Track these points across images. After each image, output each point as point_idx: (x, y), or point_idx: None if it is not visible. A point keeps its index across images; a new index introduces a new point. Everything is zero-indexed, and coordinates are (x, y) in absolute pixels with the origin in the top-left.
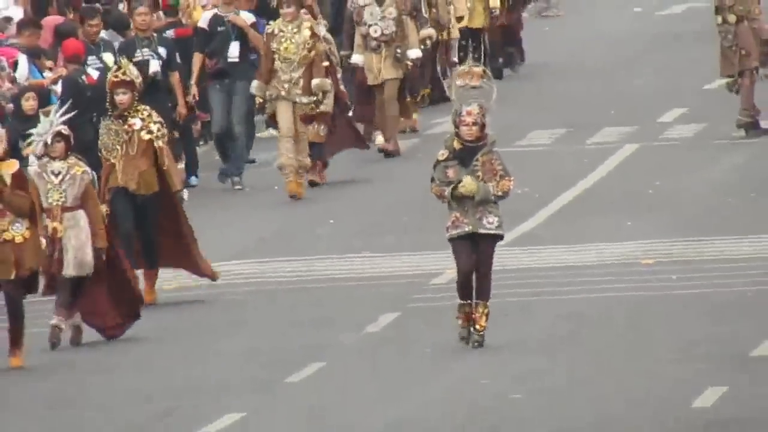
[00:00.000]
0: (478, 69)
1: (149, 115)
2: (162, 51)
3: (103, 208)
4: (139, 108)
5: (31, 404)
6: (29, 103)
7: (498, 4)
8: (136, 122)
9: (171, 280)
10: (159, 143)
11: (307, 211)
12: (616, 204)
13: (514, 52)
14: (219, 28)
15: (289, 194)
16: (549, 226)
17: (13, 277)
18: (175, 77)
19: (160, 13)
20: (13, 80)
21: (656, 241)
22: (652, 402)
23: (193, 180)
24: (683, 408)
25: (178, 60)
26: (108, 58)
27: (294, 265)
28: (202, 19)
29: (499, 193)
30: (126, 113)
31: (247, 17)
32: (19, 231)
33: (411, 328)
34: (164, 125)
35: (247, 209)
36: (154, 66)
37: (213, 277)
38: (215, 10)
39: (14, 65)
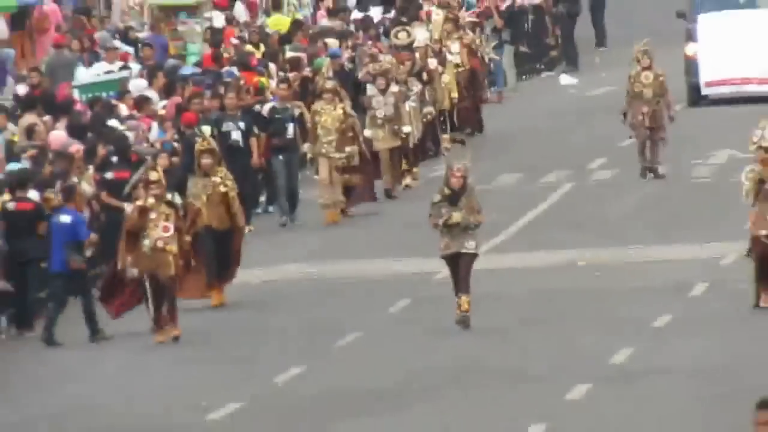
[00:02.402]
0: (447, 136)
1: (225, 175)
2: (242, 124)
3: (187, 238)
4: (218, 169)
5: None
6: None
7: (456, 94)
8: (217, 179)
9: (257, 276)
10: (232, 194)
11: (345, 233)
12: (559, 224)
13: (472, 128)
14: (277, 116)
15: (326, 223)
16: (513, 239)
17: (173, 273)
18: (252, 141)
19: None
20: (147, 139)
21: (587, 249)
22: (584, 358)
23: (271, 208)
24: (604, 362)
25: (255, 130)
26: (206, 129)
27: (336, 267)
28: (264, 109)
29: (475, 223)
30: (209, 172)
31: (299, 103)
32: (174, 245)
33: (420, 309)
34: (234, 182)
35: (303, 231)
36: (235, 135)
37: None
38: (273, 103)
39: (149, 129)
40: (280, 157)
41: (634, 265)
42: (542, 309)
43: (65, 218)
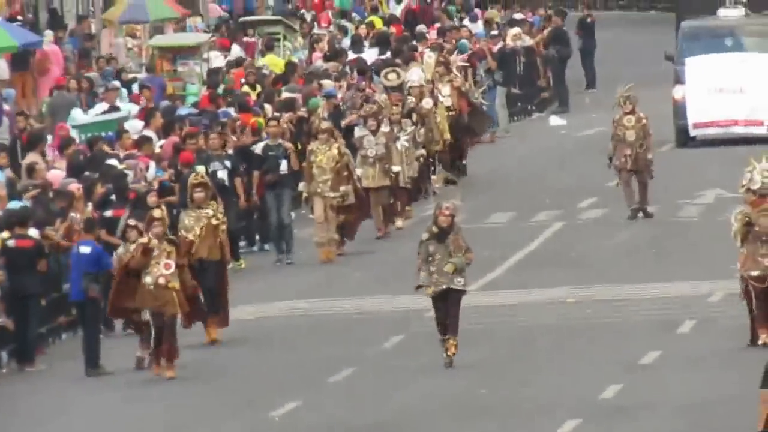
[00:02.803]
0: (436, 177)
1: (216, 208)
2: (228, 163)
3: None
4: (210, 202)
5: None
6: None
7: (448, 136)
8: (209, 212)
9: (252, 312)
10: (222, 227)
11: (339, 270)
12: (549, 262)
13: (459, 169)
14: (270, 153)
15: (321, 261)
16: (505, 277)
17: (177, 311)
18: (238, 181)
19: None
20: (145, 178)
21: (577, 286)
22: (574, 394)
23: (266, 246)
24: (593, 398)
25: (241, 169)
26: (201, 169)
27: (333, 303)
28: (257, 147)
29: (467, 262)
30: (201, 205)
31: (290, 145)
32: (176, 281)
33: (413, 345)
34: (224, 215)
35: (298, 268)
36: (222, 174)
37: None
38: (266, 141)
39: (147, 168)
40: (273, 193)
41: (623, 302)
42: (533, 345)
43: (85, 249)
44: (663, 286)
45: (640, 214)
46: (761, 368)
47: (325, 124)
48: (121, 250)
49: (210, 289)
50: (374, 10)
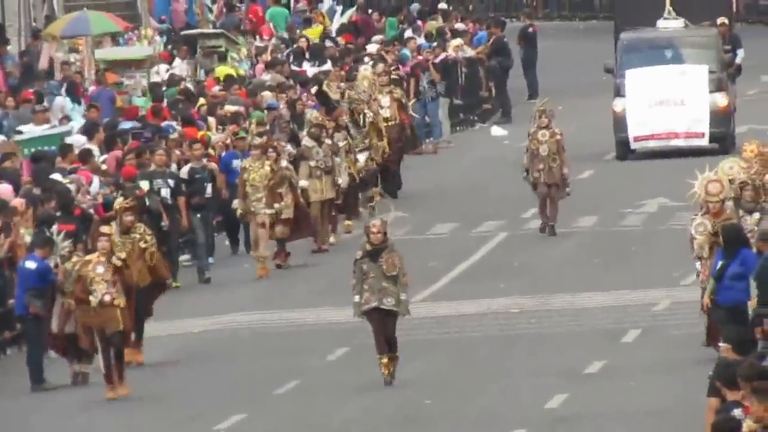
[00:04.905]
0: (369, 192)
1: (144, 231)
2: (171, 182)
3: None
4: (137, 226)
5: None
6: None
7: (388, 149)
8: (136, 236)
9: (196, 326)
10: (152, 249)
11: (282, 283)
12: (493, 272)
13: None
14: (196, 176)
15: (258, 276)
16: (450, 287)
17: (120, 329)
18: (180, 200)
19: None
20: (87, 193)
21: (520, 296)
22: (519, 404)
23: (211, 259)
24: (539, 408)
25: (183, 188)
26: (144, 185)
27: (274, 316)
28: (182, 172)
29: (406, 289)
30: (129, 229)
31: (216, 166)
32: (122, 298)
33: (357, 357)
34: (153, 237)
35: (241, 282)
36: (164, 192)
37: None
38: (191, 164)
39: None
40: (198, 215)
41: (567, 312)
42: (478, 355)
43: (30, 264)
44: (607, 296)
45: (548, 229)
46: (706, 377)
47: (258, 141)
48: (68, 264)
49: (138, 314)
50: (307, 22)
